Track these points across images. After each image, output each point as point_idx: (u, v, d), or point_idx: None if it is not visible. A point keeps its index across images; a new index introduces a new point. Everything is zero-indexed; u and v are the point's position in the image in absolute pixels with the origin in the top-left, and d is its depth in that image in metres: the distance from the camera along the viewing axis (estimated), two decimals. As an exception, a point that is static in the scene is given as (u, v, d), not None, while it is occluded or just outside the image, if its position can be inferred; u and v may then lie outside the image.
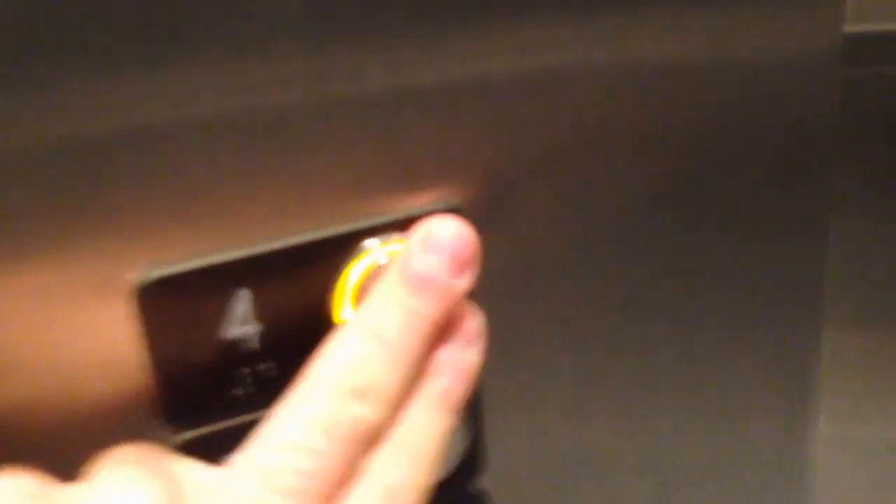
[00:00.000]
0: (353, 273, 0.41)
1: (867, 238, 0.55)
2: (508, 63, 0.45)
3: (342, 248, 0.41)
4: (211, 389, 0.41)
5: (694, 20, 0.47)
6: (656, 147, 0.50)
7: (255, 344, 0.41)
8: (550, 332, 0.52)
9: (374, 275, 0.40)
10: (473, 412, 0.48)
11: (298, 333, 0.41)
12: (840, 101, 0.51)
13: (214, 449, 0.38)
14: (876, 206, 0.54)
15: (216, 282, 0.40)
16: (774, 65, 0.49)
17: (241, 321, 0.41)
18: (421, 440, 0.36)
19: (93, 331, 0.39)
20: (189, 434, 0.41)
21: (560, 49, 0.46)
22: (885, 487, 0.63)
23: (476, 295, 0.41)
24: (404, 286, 0.38)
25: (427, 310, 0.37)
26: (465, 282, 0.39)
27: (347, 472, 0.35)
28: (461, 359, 0.39)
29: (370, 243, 0.41)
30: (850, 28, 0.50)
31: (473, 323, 0.40)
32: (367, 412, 0.35)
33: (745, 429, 0.58)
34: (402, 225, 0.42)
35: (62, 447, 0.38)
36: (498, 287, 0.48)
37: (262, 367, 0.42)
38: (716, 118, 0.50)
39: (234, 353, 0.41)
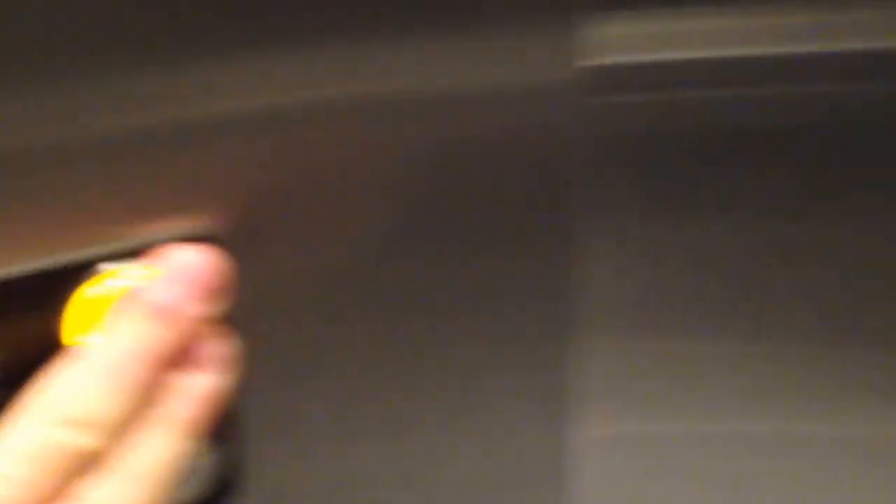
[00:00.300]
0: (85, 299, 0.41)
1: (622, 254, 0.59)
2: (266, 96, 0.46)
3: (78, 274, 0.41)
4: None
5: (437, 52, 0.49)
6: (410, 175, 0.52)
7: (-7, 373, 0.40)
8: (312, 354, 0.53)
9: (107, 300, 0.40)
10: (230, 435, 0.48)
11: (35, 362, 0.41)
12: (583, 128, 0.54)
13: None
14: (626, 223, 0.58)
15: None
16: (517, 95, 0.52)
17: (-22, 351, 0.40)
18: (146, 465, 0.37)
19: None
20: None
21: (312, 83, 0.47)
22: (655, 479, 0.67)
23: (235, 319, 0.42)
24: (136, 312, 0.38)
25: (158, 336, 0.38)
26: (205, 308, 0.40)
27: (57, 499, 0.35)
28: (199, 384, 0.39)
29: (105, 268, 0.41)
30: (588, 60, 0.53)
31: (217, 348, 0.41)
32: (80, 439, 0.35)
33: (507, 440, 0.60)
34: (140, 251, 0.42)
35: None
36: (259, 311, 0.49)
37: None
38: (465, 148, 0.52)
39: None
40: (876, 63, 0.57)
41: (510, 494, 0.62)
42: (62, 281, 0.41)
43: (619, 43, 0.53)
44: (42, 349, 0.41)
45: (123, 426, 0.36)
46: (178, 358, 0.39)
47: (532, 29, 0.51)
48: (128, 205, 0.44)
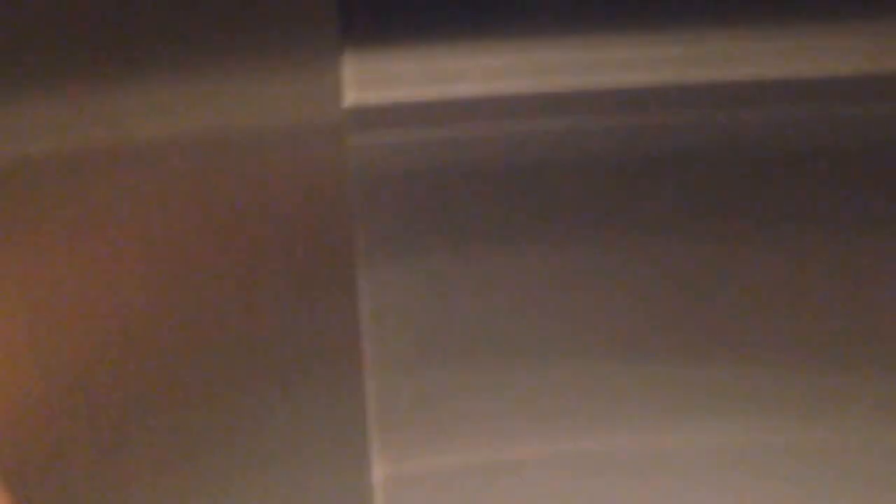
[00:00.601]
0: None
1: (406, 288, 0.61)
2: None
3: None
4: None
5: (200, 93, 0.50)
6: (178, 219, 0.52)
7: None
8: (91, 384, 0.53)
9: None
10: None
11: None
12: (352, 166, 0.56)
13: None
14: (406, 258, 0.60)
15: None
16: (285, 134, 0.53)
17: None
18: None
19: None
20: None
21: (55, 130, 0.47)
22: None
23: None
24: None
25: None
26: None
27: None
28: None
29: None
30: (351, 99, 0.55)
31: None
32: None
33: (308, 479, 0.61)
34: None
35: None
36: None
37: None
38: (234, 187, 0.53)
39: None
40: (655, 97, 0.61)
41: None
42: None
43: (386, 81, 0.55)
44: None
45: None
46: None
47: (297, 70, 0.53)
48: None
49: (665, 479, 0.69)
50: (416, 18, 0.55)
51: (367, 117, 0.56)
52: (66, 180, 0.48)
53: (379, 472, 0.62)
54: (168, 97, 0.50)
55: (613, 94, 0.59)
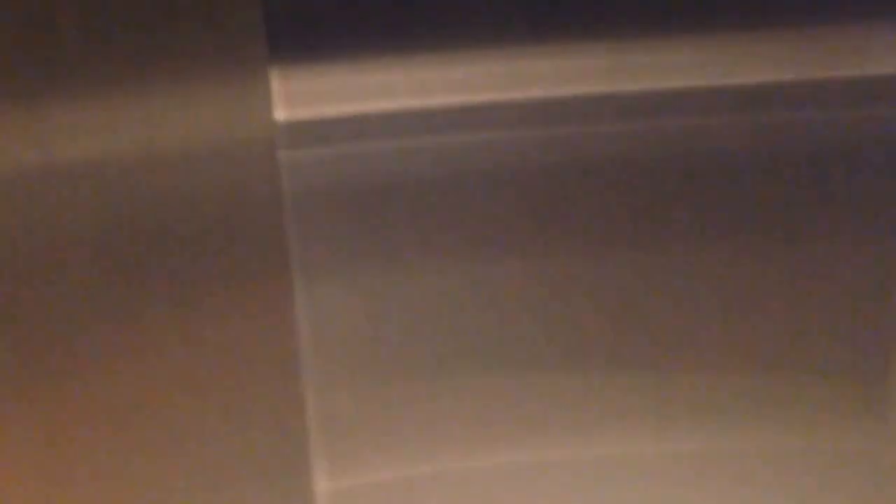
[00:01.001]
0: None
1: (341, 301, 0.61)
2: None
3: None
4: None
5: (130, 109, 0.51)
6: (113, 236, 0.52)
7: None
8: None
9: None
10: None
11: None
12: (282, 180, 0.56)
13: None
14: (340, 272, 0.60)
15: None
16: (216, 151, 0.54)
17: None
18: None
19: None
20: None
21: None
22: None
23: None
24: None
25: None
26: None
27: None
28: None
29: None
30: (283, 115, 0.56)
31: None
32: None
33: (249, 495, 0.61)
34: None
35: None
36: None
37: None
38: (171, 205, 0.54)
39: None
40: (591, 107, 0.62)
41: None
42: None
43: (316, 96, 0.56)
44: None
45: None
46: None
47: (226, 86, 0.53)
48: None
49: (615, 487, 0.70)
50: (344, 33, 0.56)
51: (298, 132, 0.56)
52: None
53: (320, 485, 0.63)
54: (94, 115, 0.50)
55: (547, 104, 0.61)
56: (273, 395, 0.60)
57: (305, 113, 0.56)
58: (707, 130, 0.62)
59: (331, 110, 0.57)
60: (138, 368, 0.55)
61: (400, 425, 0.65)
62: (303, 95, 0.56)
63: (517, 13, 0.58)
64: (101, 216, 0.52)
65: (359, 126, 0.58)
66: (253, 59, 0.54)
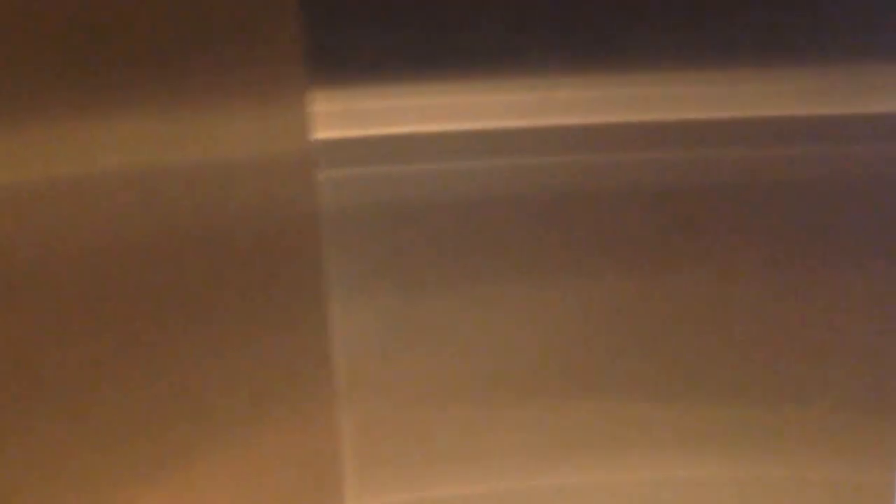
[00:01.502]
0: None
1: (369, 322, 0.62)
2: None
3: None
4: None
5: (169, 126, 0.52)
6: (147, 249, 0.53)
7: None
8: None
9: None
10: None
11: None
12: (317, 201, 0.57)
13: None
14: (371, 288, 0.61)
15: None
16: (255, 168, 0.55)
17: None
18: None
19: None
20: None
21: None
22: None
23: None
24: None
25: None
26: None
27: None
28: None
29: None
30: (319, 135, 0.57)
31: None
32: None
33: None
34: None
35: None
36: None
37: None
38: (210, 219, 0.55)
39: None
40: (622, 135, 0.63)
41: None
42: None
43: (351, 117, 0.57)
44: None
45: None
46: None
47: (265, 103, 0.55)
48: None
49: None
50: (382, 55, 0.57)
51: (336, 152, 0.57)
52: (34, 210, 0.49)
53: (350, 505, 0.63)
54: (139, 132, 0.52)
55: (578, 132, 0.61)
56: (307, 417, 0.60)
57: (342, 133, 0.57)
58: (738, 160, 0.63)
59: (367, 131, 0.58)
60: (173, 377, 0.55)
61: (434, 447, 0.66)
62: (340, 116, 0.57)
63: (553, 42, 0.59)
64: (145, 227, 0.53)
65: (394, 147, 0.59)
66: (292, 79, 0.55)
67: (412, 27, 0.57)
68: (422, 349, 0.63)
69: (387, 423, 0.64)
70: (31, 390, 0.51)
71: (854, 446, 0.67)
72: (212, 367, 0.57)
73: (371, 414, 0.63)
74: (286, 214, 0.56)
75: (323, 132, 0.57)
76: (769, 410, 0.67)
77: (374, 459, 0.64)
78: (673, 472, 0.68)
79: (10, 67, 0.46)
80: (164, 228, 0.54)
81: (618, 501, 0.69)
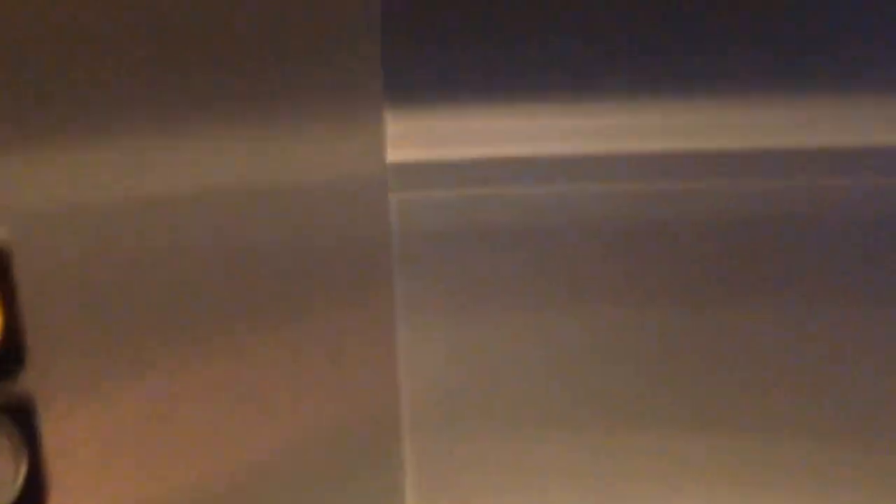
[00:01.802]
0: None
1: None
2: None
3: None
4: None
5: (246, 147, 0.52)
6: (222, 269, 0.53)
7: None
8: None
9: None
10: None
11: None
12: (393, 221, 0.57)
13: None
14: (442, 312, 0.61)
15: None
16: (328, 190, 0.55)
17: None
18: None
19: None
20: None
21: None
22: None
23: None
24: None
25: None
26: None
27: None
28: None
29: None
30: (394, 157, 0.57)
31: None
32: None
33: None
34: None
35: None
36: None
37: None
38: (284, 239, 0.55)
39: None
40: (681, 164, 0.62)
41: None
42: None
43: (426, 140, 0.57)
44: None
45: None
46: None
47: (342, 125, 0.55)
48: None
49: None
50: (458, 78, 0.57)
51: (410, 175, 0.57)
52: (115, 227, 0.49)
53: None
54: (216, 150, 0.52)
55: (650, 159, 0.61)
56: (371, 437, 0.60)
57: (416, 156, 0.58)
58: (810, 191, 0.62)
59: (442, 154, 0.58)
60: (241, 388, 0.55)
61: (496, 477, 0.65)
62: (415, 139, 0.57)
63: (632, 67, 0.59)
64: (218, 248, 0.53)
65: (468, 171, 0.58)
66: (370, 102, 0.56)
67: (488, 51, 0.57)
68: (487, 376, 0.63)
69: (451, 453, 0.64)
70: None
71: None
72: (280, 386, 0.57)
73: (437, 440, 0.63)
74: (359, 236, 0.56)
75: (397, 155, 0.57)
76: (831, 449, 0.66)
77: (438, 489, 0.63)
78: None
79: (98, 89, 0.47)
80: (236, 250, 0.54)
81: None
